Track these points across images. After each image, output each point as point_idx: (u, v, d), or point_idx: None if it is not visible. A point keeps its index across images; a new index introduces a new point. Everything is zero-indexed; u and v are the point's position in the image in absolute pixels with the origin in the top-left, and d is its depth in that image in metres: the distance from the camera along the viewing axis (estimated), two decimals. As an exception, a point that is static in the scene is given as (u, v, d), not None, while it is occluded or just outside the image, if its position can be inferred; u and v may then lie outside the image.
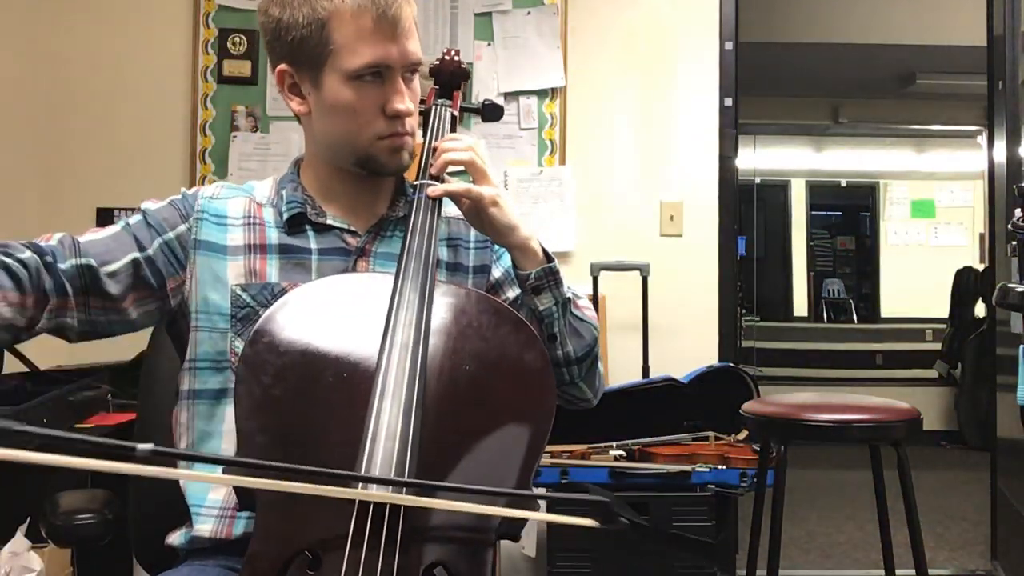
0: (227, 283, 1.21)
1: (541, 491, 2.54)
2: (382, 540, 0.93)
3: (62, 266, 1.12)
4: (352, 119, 1.19)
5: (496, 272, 1.33)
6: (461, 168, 1.22)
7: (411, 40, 1.19)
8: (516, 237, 1.20)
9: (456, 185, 1.20)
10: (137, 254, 1.18)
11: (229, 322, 1.20)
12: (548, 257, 1.22)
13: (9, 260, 1.07)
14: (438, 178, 1.23)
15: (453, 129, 1.32)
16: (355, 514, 0.93)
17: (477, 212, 1.19)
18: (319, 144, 1.27)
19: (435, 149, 1.24)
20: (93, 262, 1.14)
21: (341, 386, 1.02)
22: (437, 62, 1.35)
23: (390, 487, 0.93)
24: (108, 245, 1.17)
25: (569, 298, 1.24)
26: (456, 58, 1.36)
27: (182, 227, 1.22)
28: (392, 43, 1.16)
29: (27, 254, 1.09)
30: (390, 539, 0.93)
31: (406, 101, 1.19)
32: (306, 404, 1.02)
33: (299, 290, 1.11)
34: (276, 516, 0.98)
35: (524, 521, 1.05)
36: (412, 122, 1.23)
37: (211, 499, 1.19)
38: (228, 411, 1.19)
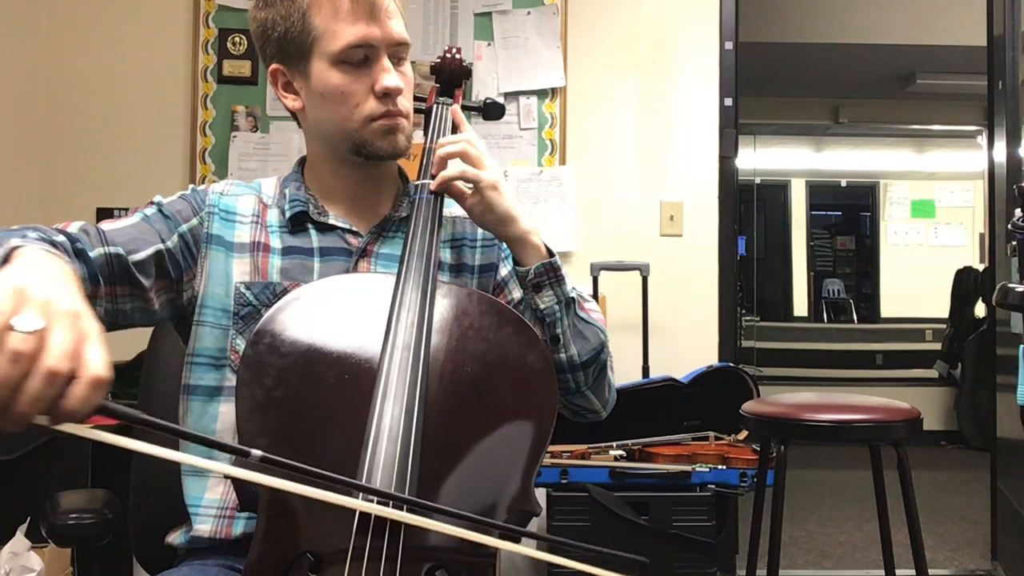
0: (232, 280, 1.21)
1: (541, 497, 2.54)
2: (384, 543, 0.93)
3: (91, 254, 1.09)
4: (343, 103, 1.19)
5: (503, 270, 1.31)
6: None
7: (393, 19, 1.19)
8: (516, 228, 1.18)
9: (451, 169, 1.18)
10: (160, 246, 1.17)
11: (231, 319, 1.20)
12: (550, 254, 1.20)
13: (46, 243, 1.03)
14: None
15: (455, 128, 1.30)
16: (357, 519, 0.93)
17: (476, 197, 1.18)
18: (317, 139, 1.27)
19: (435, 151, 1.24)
20: (121, 251, 1.12)
21: (343, 388, 1.02)
22: (438, 60, 1.33)
23: (390, 503, 0.92)
24: (132, 235, 1.15)
25: (573, 298, 1.21)
26: (457, 56, 1.34)
27: (194, 220, 1.22)
28: (373, 22, 1.17)
29: (60, 238, 1.06)
30: (392, 542, 0.93)
31: (394, 78, 1.18)
32: (308, 406, 1.02)
33: (300, 290, 1.10)
34: (278, 518, 0.98)
35: (527, 521, 1.05)
36: (405, 102, 1.21)
37: (208, 499, 1.19)
38: (222, 409, 1.19)
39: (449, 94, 1.33)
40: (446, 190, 1.20)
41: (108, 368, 0.76)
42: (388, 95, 1.19)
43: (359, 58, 1.17)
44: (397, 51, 1.20)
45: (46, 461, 2.32)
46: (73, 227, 1.11)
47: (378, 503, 0.89)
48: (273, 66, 1.23)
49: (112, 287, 1.12)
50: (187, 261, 1.20)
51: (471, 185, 1.18)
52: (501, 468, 1.04)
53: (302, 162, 1.32)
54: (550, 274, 1.18)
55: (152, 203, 1.23)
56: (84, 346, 0.76)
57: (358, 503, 0.87)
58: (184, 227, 1.21)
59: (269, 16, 1.20)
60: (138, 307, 1.16)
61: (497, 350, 1.08)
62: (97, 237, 1.12)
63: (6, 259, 0.88)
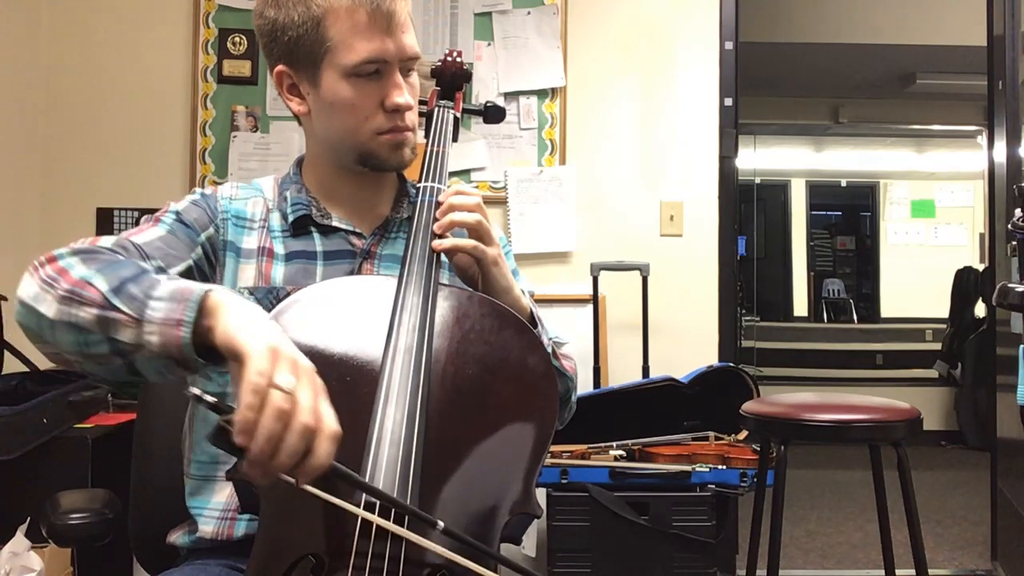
0: (236, 285, 1.21)
1: (541, 497, 2.54)
2: (387, 544, 0.92)
3: None
4: (351, 115, 1.19)
5: None
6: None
7: (407, 34, 1.19)
8: (510, 298, 1.17)
9: (465, 240, 1.15)
10: (190, 260, 1.17)
11: None
12: (533, 319, 1.19)
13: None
14: (443, 230, 1.17)
15: (456, 131, 1.32)
16: (360, 519, 0.93)
17: (479, 269, 1.16)
18: (320, 143, 1.26)
19: (438, 153, 1.24)
20: (162, 264, 1.11)
21: (344, 391, 1.01)
22: (439, 63, 1.35)
23: (391, 516, 0.92)
24: (164, 249, 1.14)
25: (550, 352, 1.20)
26: (458, 59, 1.35)
27: (211, 229, 1.22)
28: (388, 37, 1.16)
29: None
30: (395, 545, 0.93)
31: (404, 95, 1.19)
32: None
33: (302, 293, 1.10)
34: (281, 520, 0.98)
35: (528, 523, 1.05)
36: (412, 116, 1.22)
37: (214, 502, 1.19)
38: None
39: (450, 97, 1.35)
40: (450, 256, 1.17)
41: (337, 423, 0.83)
42: (397, 110, 1.19)
43: (371, 71, 1.17)
44: (408, 64, 1.21)
45: (46, 461, 2.32)
46: (106, 242, 1.08)
47: (379, 511, 0.89)
48: (279, 68, 1.22)
49: None
50: (210, 270, 1.20)
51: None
52: (503, 471, 1.04)
53: (299, 162, 1.32)
54: None
55: (168, 211, 1.21)
56: (319, 402, 0.83)
57: (359, 511, 0.87)
58: (203, 236, 1.20)
59: (280, 18, 1.18)
60: None
61: (498, 353, 1.08)
62: (137, 254, 1.10)
63: (200, 306, 0.91)
